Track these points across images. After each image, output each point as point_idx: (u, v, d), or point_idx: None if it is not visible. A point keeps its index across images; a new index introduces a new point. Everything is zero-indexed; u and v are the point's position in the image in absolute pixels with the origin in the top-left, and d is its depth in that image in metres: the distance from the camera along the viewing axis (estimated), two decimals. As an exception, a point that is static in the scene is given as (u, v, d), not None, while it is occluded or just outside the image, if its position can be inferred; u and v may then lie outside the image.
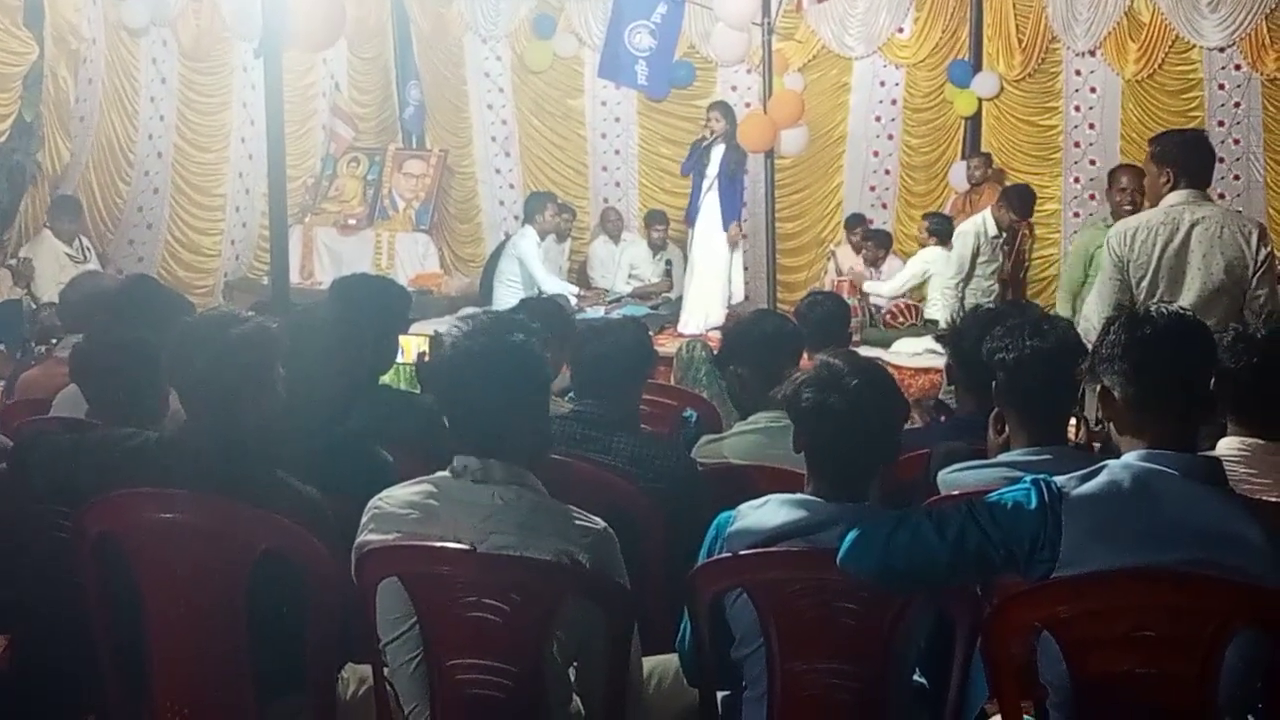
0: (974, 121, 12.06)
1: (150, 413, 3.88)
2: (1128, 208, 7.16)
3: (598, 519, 2.98)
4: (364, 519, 3.01)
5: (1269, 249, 5.13)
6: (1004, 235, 9.69)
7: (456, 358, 2.98)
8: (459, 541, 2.84)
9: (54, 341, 6.59)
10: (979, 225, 9.59)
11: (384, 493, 3.05)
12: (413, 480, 3.06)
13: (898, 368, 8.50)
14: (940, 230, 10.17)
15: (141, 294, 4.91)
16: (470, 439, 2.99)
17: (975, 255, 9.52)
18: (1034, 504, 2.62)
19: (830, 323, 5.36)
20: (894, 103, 12.35)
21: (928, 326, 9.52)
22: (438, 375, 3.10)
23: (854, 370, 3.02)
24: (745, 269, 10.47)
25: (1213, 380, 2.77)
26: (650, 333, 5.11)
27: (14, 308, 9.00)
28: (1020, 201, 9.72)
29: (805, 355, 4.57)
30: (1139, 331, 2.70)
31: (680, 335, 9.60)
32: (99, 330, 4.34)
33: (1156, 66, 11.40)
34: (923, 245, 10.28)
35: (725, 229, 9.87)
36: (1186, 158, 5.23)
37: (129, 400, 3.89)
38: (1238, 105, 11.27)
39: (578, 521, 2.95)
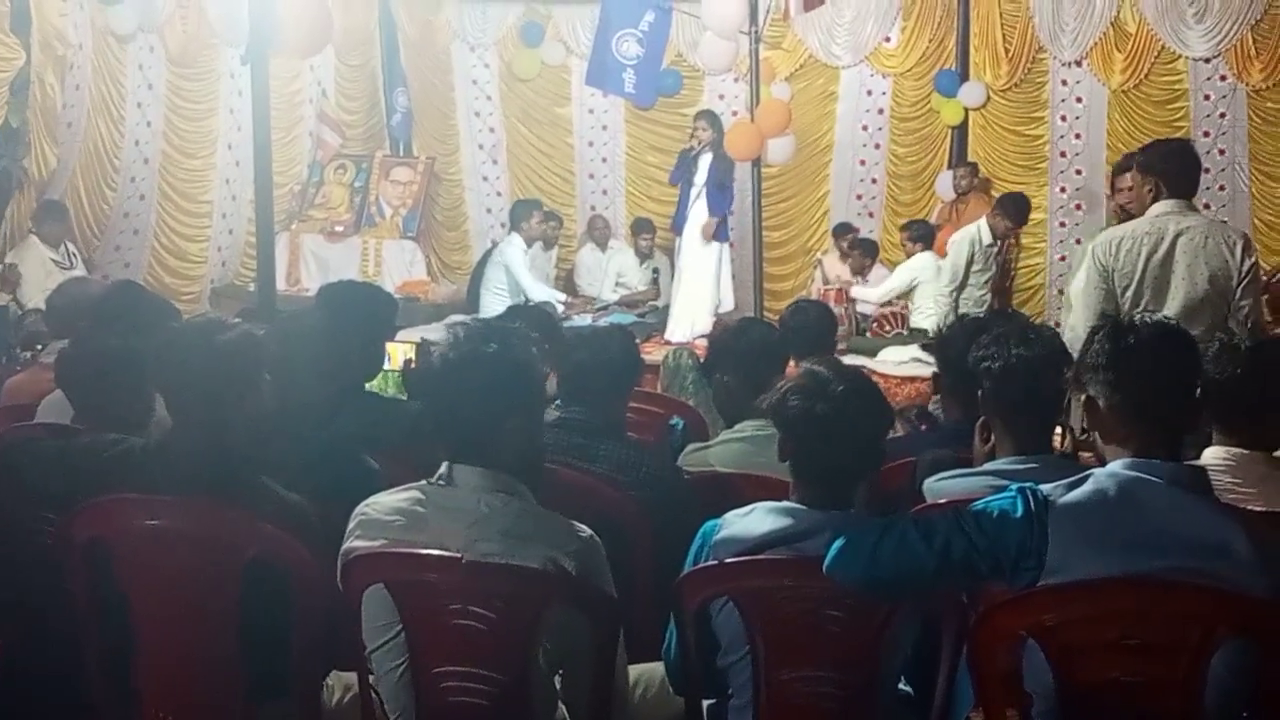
0: (960, 131, 12.08)
1: (136, 419, 3.86)
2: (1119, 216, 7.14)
3: (584, 527, 2.98)
4: (350, 525, 3.00)
5: (1253, 259, 5.14)
6: (999, 244, 9.70)
7: (444, 365, 2.98)
8: (445, 549, 2.83)
9: (40, 347, 6.57)
10: (974, 234, 9.59)
11: (371, 499, 3.04)
12: (400, 487, 3.05)
13: (883, 376, 8.52)
14: (923, 235, 10.19)
15: (127, 300, 4.88)
16: (457, 446, 2.98)
17: (969, 264, 9.53)
18: (1020, 512, 2.62)
19: (813, 330, 5.36)
20: (881, 112, 12.36)
21: (914, 335, 9.54)
22: (426, 382, 3.10)
23: (839, 378, 3.03)
24: (733, 277, 10.48)
25: (1198, 389, 2.78)
26: (637, 341, 5.12)
27: (-1, 313, 8.97)
28: (1016, 209, 9.72)
29: (792, 363, 4.57)
30: (1123, 341, 2.71)
31: (668, 343, 9.60)
32: (84, 336, 4.33)
33: (1142, 77, 11.43)
34: (910, 254, 10.29)
35: (716, 240, 9.89)
36: (1171, 168, 5.25)
37: (114, 406, 3.87)
38: (1223, 116, 11.30)
39: (564, 529, 2.95)
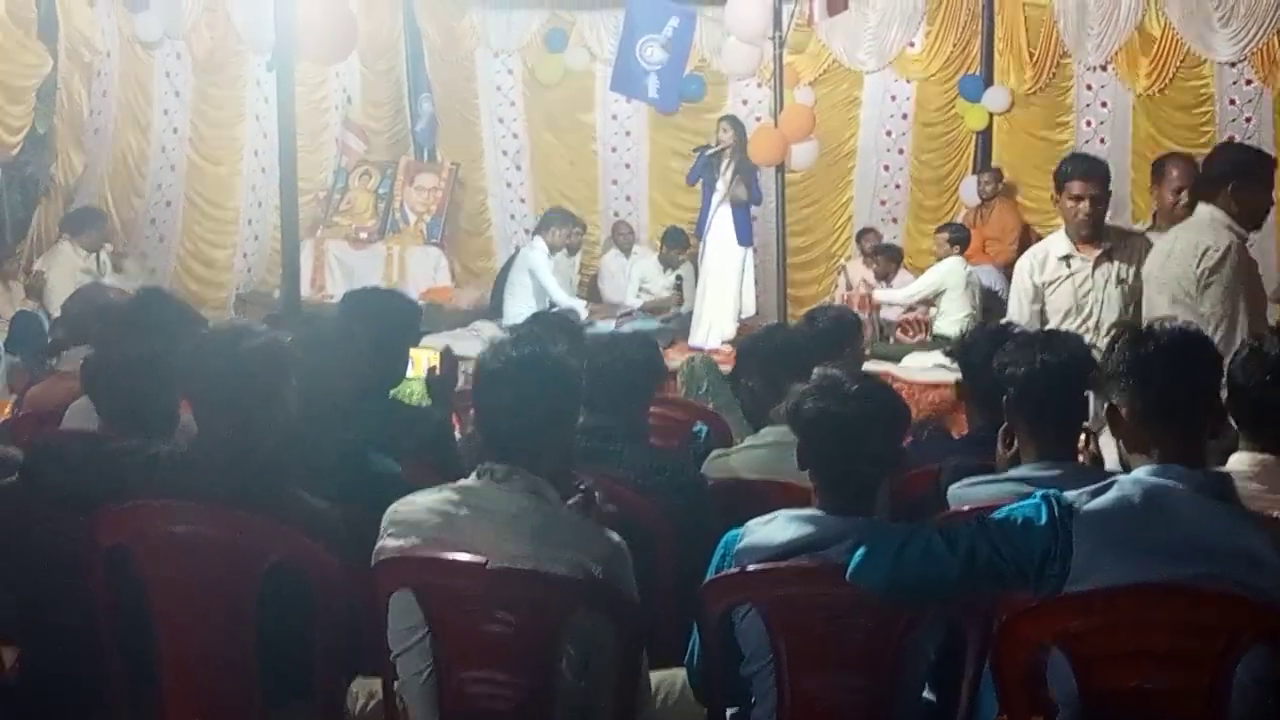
0: (985, 136, 12.04)
1: (162, 425, 3.88)
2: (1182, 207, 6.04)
3: (612, 532, 2.99)
4: (384, 524, 3.03)
5: (1210, 264, 5.02)
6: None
7: (507, 363, 2.99)
8: (477, 549, 2.84)
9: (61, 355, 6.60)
10: None
11: (406, 498, 3.06)
12: (434, 487, 3.08)
13: (907, 382, 8.50)
14: (960, 239, 10.13)
15: (153, 306, 4.91)
16: (501, 445, 3.00)
17: None
18: (1044, 520, 2.62)
19: (831, 334, 5.26)
20: (905, 117, 12.32)
21: (937, 341, 9.49)
22: (484, 379, 3.09)
23: (853, 378, 3.05)
24: (756, 283, 10.46)
25: (1221, 394, 2.77)
26: (661, 347, 5.11)
27: (32, 320, 9.00)
28: None
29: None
30: (1142, 349, 2.71)
31: (692, 349, 9.60)
32: (111, 343, 4.35)
33: (1168, 81, 11.36)
34: (940, 258, 10.21)
35: (740, 244, 9.86)
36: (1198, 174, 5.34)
37: (140, 413, 3.89)
38: (1249, 120, 11.21)
39: (593, 535, 2.97)
